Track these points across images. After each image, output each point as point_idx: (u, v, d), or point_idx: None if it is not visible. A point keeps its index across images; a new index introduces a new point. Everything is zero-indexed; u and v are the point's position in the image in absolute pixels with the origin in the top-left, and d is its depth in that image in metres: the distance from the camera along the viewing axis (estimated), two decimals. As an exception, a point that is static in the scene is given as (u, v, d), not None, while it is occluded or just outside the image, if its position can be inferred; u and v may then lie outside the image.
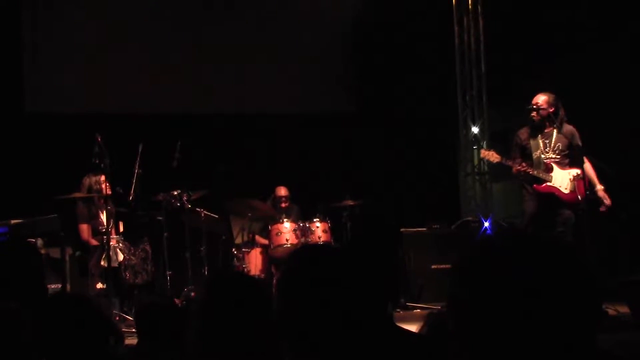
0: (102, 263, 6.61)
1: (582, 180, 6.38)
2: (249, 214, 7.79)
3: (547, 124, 6.50)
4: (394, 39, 9.58)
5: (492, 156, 6.61)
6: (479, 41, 9.71)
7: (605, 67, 8.02)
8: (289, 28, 9.72)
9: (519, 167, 6.45)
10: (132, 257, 6.72)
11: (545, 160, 6.49)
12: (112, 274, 6.47)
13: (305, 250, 2.39)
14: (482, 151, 6.66)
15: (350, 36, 10.03)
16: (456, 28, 9.78)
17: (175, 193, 7.07)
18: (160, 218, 7.10)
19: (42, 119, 8.43)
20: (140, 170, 6.94)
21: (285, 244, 7.55)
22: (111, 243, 6.55)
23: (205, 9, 9.45)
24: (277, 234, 7.62)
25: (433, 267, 7.89)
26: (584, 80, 8.00)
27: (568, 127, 6.55)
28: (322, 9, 9.85)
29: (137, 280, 6.75)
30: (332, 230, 7.75)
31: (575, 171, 6.43)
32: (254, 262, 7.73)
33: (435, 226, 8.39)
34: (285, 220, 7.73)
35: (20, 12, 8.62)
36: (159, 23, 9.26)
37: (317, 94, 9.76)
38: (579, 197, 6.41)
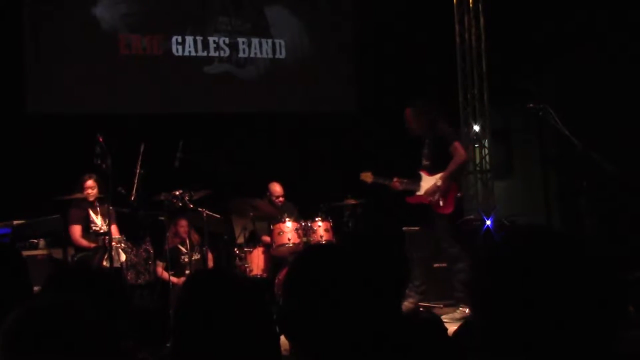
0: (105, 263, 6.60)
1: (446, 185, 6.34)
2: (251, 214, 7.78)
3: (420, 135, 6.50)
4: (394, 38, 9.56)
5: (368, 177, 6.69)
6: (480, 40, 9.70)
7: (606, 66, 8.02)
8: (289, 28, 9.72)
9: (392, 185, 6.72)
10: (134, 257, 6.71)
11: (419, 171, 6.51)
12: (114, 274, 6.47)
13: (310, 250, 2.39)
14: (361, 174, 6.74)
15: (350, 35, 10.01)
16: (457, 27, 9.78)
17: (177, 193, 7.04)
18: (162, 218, 7.08)
19: (43, 119, 8.41)
20: (142, 170, 6.92)
21: (287, 243, 7.54)
22: (113, 243, 6.54)
23: (205, 9, 9.45)
24: (279, 234, 7.61)
25: (435, 265, 7.88)
26: (585, 79, 8.00)
27: (437, 132, 6.48)
28: (323, 8, 9.84)
29: (139, 281, 6.74)
30: (334, 230, 7.74)
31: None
32: (256, 261, 7.72)
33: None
34: (287, 219, 7.72)
35: (21, 11, 8.60)
36: (161, 20, 9.27)
37: (318, 94, 9.76)
38: (440, 202, 6.37)
